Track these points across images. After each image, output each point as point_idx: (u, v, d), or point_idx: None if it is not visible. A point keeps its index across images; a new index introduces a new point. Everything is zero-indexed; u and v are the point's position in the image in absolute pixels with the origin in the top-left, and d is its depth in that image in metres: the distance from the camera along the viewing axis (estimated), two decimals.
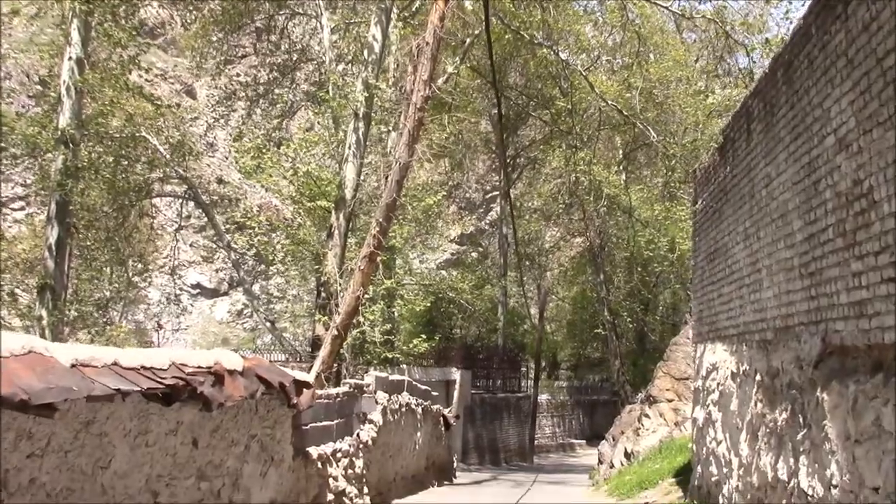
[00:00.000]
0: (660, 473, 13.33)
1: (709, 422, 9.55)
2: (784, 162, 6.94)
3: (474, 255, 48.73)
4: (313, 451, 8.40)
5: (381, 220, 13.71)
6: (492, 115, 37.63)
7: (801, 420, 6.30)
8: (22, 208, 36.89)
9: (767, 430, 7.19)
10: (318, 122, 25.14)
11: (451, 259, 48.27)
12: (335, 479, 9.02)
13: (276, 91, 27.51)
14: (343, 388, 10.03)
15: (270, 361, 17.13)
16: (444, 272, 40.12)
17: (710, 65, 34.28)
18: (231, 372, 5.83)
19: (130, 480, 4.89)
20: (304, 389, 7.51)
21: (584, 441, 39.24)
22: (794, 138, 6.68)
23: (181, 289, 44.18)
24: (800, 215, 6.51)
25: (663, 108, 29.04)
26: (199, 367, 5.35)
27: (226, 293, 45.98)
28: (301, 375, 7.55)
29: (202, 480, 5.77)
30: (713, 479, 9.21)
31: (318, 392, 8.66)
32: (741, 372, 8.25)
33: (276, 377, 6.68)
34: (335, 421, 9.34)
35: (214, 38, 28.44)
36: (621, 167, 33.72)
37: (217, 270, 45.50)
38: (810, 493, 5.92)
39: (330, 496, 8.86)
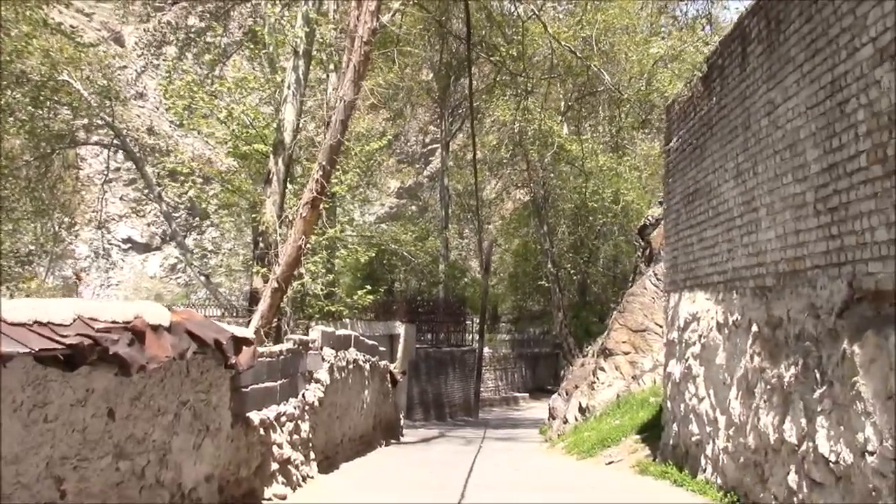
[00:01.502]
0: (621, 430, 12.67)
1: (688, 377, 8.81)
2: (795, 84, 6.09)
3: (413, 208, 47.89)
4: (254, 416, 7.39)
5: (324, 163, 12.63)
6: (433, 62, 36.54)
7: (816, 376, 5.53)
8: None
9: (768, 387, 6.44)
10: (254, 68, 23.68)
11: (389, 212, 47.42)
12: (279, 446, 8.04)
13: (209, 36, 25.96)
14: (287, 345, 9.01)
15: (205, 316, 15.90)
16: (384, 225, 39.18)
17: (654, 15, 33.75)
18: (155, 328, 4.80)
19: (24, 466, 3.85)
20: (244, 347, 6.49)
21: (526, 394, 38.97)
22: (810, 56, 5.82)
23: (110, 243, 42.59)
24: (816, 143, 5.68)
25: (608, 57, 28.36)
26: (113, 321, 4.30)
27: (158, 248, 44.59)
28: (240, 331, 6.53)
29: (121, 459, 4.75)
30: (693, 438, 8.49)
31: (260, 350, 7.65)
32: (730, 322, 7.49)
33: (210, 333, 5.66)
34: (279, 381, 8.33)
35: None
36: (564, 117, 32.91)
37: (149, 224, 44.08)
38: (833, 459, 5.17)
39: (274, 465, 7.89)
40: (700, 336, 8.41)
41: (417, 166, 51.03)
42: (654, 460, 10.17)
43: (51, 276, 33.28)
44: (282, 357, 8.53)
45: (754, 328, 6.79)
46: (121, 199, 42.91)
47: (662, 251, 17.84)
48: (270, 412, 7.88)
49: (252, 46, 20.53)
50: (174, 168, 23.03)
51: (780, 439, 6.12)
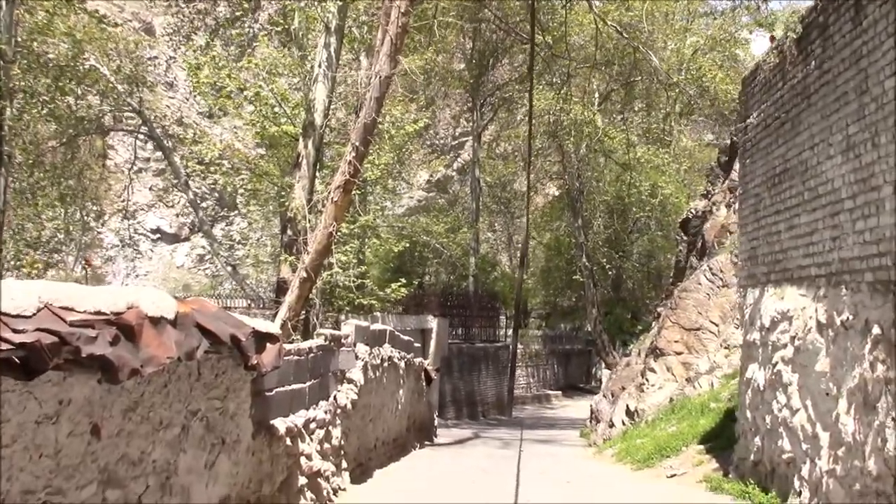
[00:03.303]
0: (681, 438, 11.53)
1: (776, 384, 7.67)
2: None
3: (442, 201, 47.00)
4: (280, 423, 6.37)
5: (357, 143, 11.62)
6: (465, 51, 35.52)
7: None
8: None
9: None
10: (285, 52, 22.82)
11: (418, 205, 46.57)
12: (308, 456, 7.03)
13: (237, 25, 25.12)
14: (317, 341, 8.01)
15: (226, 307, 14.84)
16: (414, 217, 38.30)
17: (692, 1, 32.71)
18: (155, 321, 3.78)
19: None
20: (268, 344, 5.47)
21: (559, 392, 37.91)
22: None
23: (137, 232, 42.11)
24: None
25: (648, 46, 27.20)
26: (97, 312, 3.29)
27: (186, 238, 44.27)
28: (263, 325, 5.50)
29: (110, 487, 3.74)
30: (784, 455, 7.36)
31: (286, 347, 6.64)
32: (837, 323, 6.35)
33: (226, 328, 4.65)
34: (308, 383, 7.32)
35: None
36: (600, 108, 31.69)
37: (178, 215, 43.74)
38: None
39: (302, 479, 6.88)
40: (793, 338, 7.27)
41: (449, 156, 50.16)
42: (725, 476, 9.05)
43: (78, 264, 32.67)
44: (311, 355, 7.53)
45: (875, 330, 5.66)
46: (150, 189, 42.50)
47: (719, 243, 16.68)
48: (298, 418, 6.87)
49: (282, 22, 19.47)
50: (202, 153, 22.18)
51: None
